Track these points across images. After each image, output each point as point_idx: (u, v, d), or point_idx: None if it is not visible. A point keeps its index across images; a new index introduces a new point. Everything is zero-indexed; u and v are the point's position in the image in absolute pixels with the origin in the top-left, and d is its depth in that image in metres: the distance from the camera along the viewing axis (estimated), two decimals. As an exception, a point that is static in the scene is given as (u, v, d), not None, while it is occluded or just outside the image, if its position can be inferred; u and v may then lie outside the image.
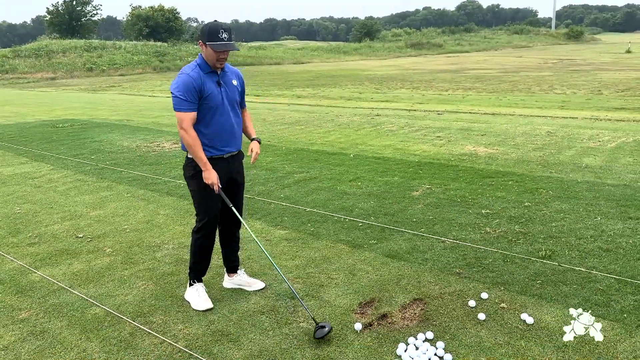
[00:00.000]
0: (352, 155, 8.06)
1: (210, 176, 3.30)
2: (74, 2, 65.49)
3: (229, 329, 3.23)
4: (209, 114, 3.29)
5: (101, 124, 12.94)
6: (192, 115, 3.21)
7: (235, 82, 3.42)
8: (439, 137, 9.44)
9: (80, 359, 2.96)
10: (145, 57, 43.95)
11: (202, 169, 3.29)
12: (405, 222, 4.98)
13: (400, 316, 3.29)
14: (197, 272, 3.62)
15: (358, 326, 3.15)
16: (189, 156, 3.36)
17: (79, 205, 5.95)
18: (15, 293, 3.82)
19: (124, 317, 3.40)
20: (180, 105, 3.18)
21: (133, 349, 3.04)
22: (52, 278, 4.05)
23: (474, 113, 12.56)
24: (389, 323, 3.21)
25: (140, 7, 65.65)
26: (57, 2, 64.74)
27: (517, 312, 3.24)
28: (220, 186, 3.38)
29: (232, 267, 3.81)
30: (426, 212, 5.22)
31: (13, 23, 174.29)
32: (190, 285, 3.62)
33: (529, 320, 3.13)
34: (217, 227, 3.58)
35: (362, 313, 3.35)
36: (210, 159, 3.33)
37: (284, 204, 5.71)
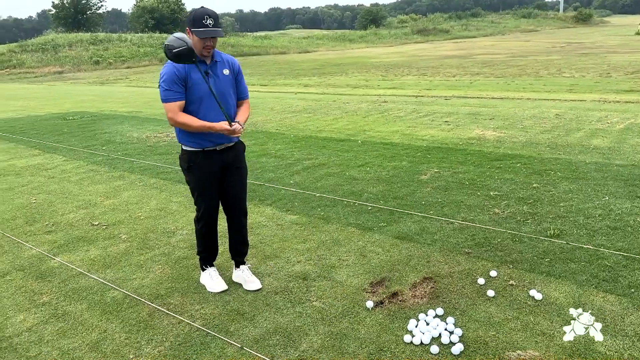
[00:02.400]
0: (360, 142, 8.11)
1: (220, 127, 3.16)
2: (79, -4, 65.56)
3: (244, 308, 3.32)
4: (196, 105, 3.20)
5: (111, 116, 13.06)
6: (179, 103, 3.15)
7: (226, 72, 3.29)
8: (446, 122, 9.45)
9: (102, 339, 3.07)
10: (151, 49, 44.03)
11: (211, 130, 3.17)
12: (414, 205, 5.04)
13: (410, 294, 3.36)
14: (205, 258, 3.70)
15: (369, 304, 3.23)
16: (184, 148, 3.35)
17: (93, 195, 6.07)
18: (36, 278, 3.93)
19: (142, 300, 3.50)
20: (165, 96, 3.14)
21: (152, 329, 3.14)
22: (71, 264, 4.16)
23: (481, 98, 12.54)
24: (400, 301, 3.29)
25: (145, -2, 65.58)
26: (63, -4, 64.83)
27: (525, 289, 3.31)
28: (233, 128, 3.18)
29: (236, 260, 3.74)
30: (435, 195, 5.28)
31: (19, 18, 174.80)
32: (203, 270, 3.71)
33: (538, 296, 3.19)
34: (215, 215, 3.56)
35: (374, 292, 3.42)
36: (202, 152, 3.30)
37: (293, 189, 5.78)
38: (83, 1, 66.31)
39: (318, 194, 5.56)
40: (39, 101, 18.25)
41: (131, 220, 5.12)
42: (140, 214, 5.31)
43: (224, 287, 3.59)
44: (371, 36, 61.26)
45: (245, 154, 3.64)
